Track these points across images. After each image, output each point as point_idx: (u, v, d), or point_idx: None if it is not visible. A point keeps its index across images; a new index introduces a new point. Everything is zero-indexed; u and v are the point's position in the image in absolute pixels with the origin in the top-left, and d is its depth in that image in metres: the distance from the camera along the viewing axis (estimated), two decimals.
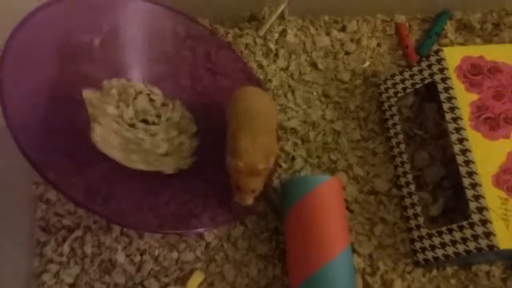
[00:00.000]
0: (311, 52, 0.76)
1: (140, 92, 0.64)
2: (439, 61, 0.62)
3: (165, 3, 0.66)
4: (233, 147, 0.54)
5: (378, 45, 0.78)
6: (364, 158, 0.68)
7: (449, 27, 0.79)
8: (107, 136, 0.59)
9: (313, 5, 0.76)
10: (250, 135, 0.53)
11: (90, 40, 0.60)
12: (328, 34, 0.78)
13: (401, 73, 0.68)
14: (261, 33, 0.72)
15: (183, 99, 0.67)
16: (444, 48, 0.62)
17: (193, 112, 0.67)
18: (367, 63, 0.76)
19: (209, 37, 0.70)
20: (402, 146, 0.65)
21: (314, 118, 0.70)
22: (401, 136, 0.66)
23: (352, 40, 0.78)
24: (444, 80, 0.61)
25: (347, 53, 0.77)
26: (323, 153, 0.68)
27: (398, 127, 0.66)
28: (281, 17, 0.75)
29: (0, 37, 0.51)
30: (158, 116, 0.64)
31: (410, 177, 0.63)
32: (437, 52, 0.63)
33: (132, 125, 0.62)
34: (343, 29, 0.79)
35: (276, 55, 0.74)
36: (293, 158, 0.67)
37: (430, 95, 0.67)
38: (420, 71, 0.65)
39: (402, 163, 0.65)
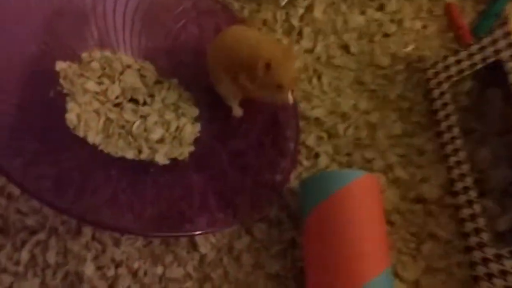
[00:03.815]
0: (342, 33, 0.63)
1: (129, 67, 0.52)
2: (507, 35, 0.49)
3: None
4: (246, 64, 0.46)
5: (424, 27, 0.65)
6: (408, 157, 0.54)
7: (510, 9, 0.65)
8: (86, 118, 0.47)
9: None
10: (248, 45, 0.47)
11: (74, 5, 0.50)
12: (363, 13, 0.65)
13: (456, 53, 0.54)
14: (283, 3, 0.60)
15: (184, 78, 0.55)
16: None
17: (195, 93, 0.54)
18: (411, 47, 0.63)
19: (220, 12, 0.59)
20: (458, 142, 0.51)
21: (344, 108, 0.57)
22: (456, 130, 0.52)
23: (392, 21, 0.64)
24: None
25: (385, 35, 0.64)
26: (355, 150, 0.54)
27: (453, 119, 0.52)
28: None
29: None
30: (151, 96, 0.52)
31: (469, 180, 0.49)
32: (503, 24, 0.49)
33: (118, 105, 0.50)
34: (381, 8, 0.66)
35: (300, 34, 0.61)
36: (316, 155, 0.54)
37: (494, 79, 0.53)
38: (482, 49, 0.51)
39: (458, 163, 0.50)
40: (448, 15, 0.66)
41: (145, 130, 0.49)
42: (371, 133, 0.56)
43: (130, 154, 0.47)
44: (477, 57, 0.51)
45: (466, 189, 0.49)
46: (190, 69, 0.56)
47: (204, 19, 0.58)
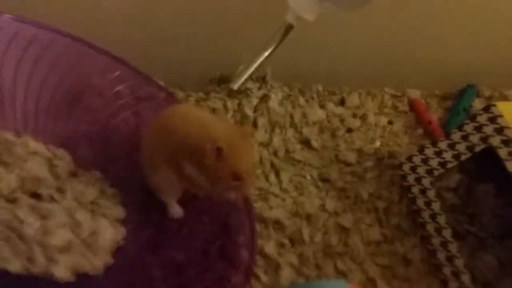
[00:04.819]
0: (302, 126, 0.55)
1: (36, 153, 0.40)
2: (493, 119, 0.42)
3: (106, 49, 0.47)
4: (193, 149, 0.35)
5: (390, 123, 0.59)
6: (392, 269, 0.43)
7: (478, 105, 0.61)
8: None
9: (303, 71, 0.58)
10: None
11: None
12: (322, 107, 0.58)
13: (434, 144, 0.47)
14: (236, 86, 0.52)
15: (111, 171, 0.43)
16: (497, 103, 0.43)
17: (123, 190, 0.43)
18: (378, 143, 0.56)
19: (163, 100, 0.50)
20: (453, 247, 0.41)
21: (309, 209, 0.47)
22: (448, 233, 0.42)
23: (354, 116, 0.58)
24: (507, 142, 0.40)
25: (349, 130, 0.57)
26: (326, 260, 0.43)
27: (441, 219, 0.43)
28: (262, 80, 0.57)
29: None
30: (61, 191, 0.40)
31: None
32: (487, 109, 0.43)
33: (13, 201, 0.37)
34: (341, 103, 0.60)
35: (255, 125, 0.53)
36: (277, 267, 0.42)
37: (484, 172, 0.45)
38: (465, 137, 0.44)
39: (456, 274, 0.40)
40: (415, 111, 0.61)
41: (45, 233, 0.36)
42: (343, 239, 0.45)
43: (15, 266, 0.33)
44: (461, 147, 0.44)
45: None
46: (120, 161, 0.45)
47: (143, 107, 0.49)
